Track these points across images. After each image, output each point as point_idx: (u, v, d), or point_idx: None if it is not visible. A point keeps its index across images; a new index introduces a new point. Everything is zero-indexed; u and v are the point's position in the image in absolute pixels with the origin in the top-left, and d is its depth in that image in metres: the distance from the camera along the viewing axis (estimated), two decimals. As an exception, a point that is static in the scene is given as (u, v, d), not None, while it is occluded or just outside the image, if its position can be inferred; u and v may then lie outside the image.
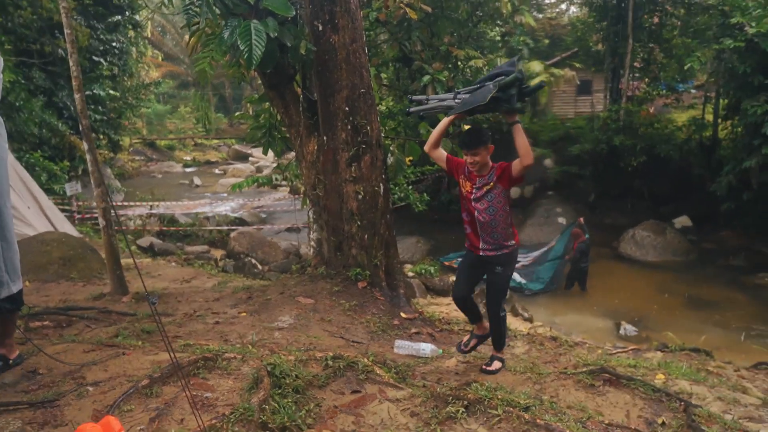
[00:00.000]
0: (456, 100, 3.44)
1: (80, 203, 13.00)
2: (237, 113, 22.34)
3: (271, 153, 6.36)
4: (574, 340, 5.65)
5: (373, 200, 5.06)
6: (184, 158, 27.53)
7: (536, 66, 11.99)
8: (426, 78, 12.69)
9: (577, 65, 20.15)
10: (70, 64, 5.09)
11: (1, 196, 2.73)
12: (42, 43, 14.03)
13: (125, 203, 14.61)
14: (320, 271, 5.26)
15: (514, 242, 3.50)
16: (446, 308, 7.74)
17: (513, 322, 7.01)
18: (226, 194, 18.40)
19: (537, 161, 16.55)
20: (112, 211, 5.84)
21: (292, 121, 5.30)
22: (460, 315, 7.12)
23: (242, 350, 3.30)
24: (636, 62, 17.17)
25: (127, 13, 18.04)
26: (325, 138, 5.08)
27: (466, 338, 3.84)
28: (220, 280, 6.96)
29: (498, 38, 17.38)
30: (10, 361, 2.88)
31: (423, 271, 9.39)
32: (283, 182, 12.22)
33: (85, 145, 5.15)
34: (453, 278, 9.55)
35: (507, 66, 3.33)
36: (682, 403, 2.85)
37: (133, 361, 3.00)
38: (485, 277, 3.65)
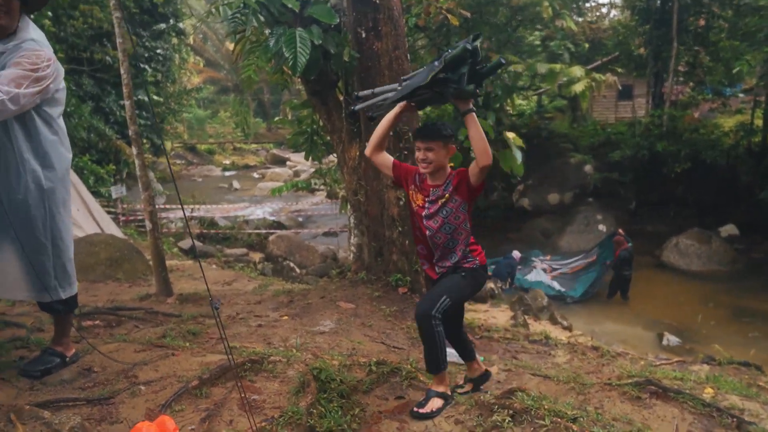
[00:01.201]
0: (399, 87, 2.87)
1: (125, 206, 13.39)
2: (276, 118, 22.71)
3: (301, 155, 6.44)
4: (616, 351, 5.55)
5: (414, 206, 5.08)
6: (224, 162, 28.07)
7: (577, 71, 11.79)
8: (464, 83, 12.67)
9: (619, 70, 19.79)
10: (122, 72, 5.25)
11: (58, 203, 2.82)
12: (92, 51, 14.54)
13: (167, 206, 14.99)
14: (361, 276, 5.30)
15: (477, 261, 2.88)
16: (483, 315, 7.70)
17: (552, 331, 6.92)
18: (264, 198, 18.68)
19: (577, 167, 16.34)
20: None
21: (335, 127, 5.36)
22: (499, 322, 7.10)
23: (286, 353, 3.35)
24: (680, 66, 16.78)
25: (171, 21, 18.56)
26: (366, 144, 5.12)
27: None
28: (261, 283, 7.07)
29: (537, 42, 17.22)
30: (67, 359, 2.98)
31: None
32: (321, 186, 12.40)
33: (134, 150, 5.31)
34: (490, 284, 9.52)
35: (462, 43, 2.69)
36: (735, 420, 2.77)
37: (182, 361, 3.07)
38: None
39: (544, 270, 11.78)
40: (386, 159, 3.04)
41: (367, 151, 3.04)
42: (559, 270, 11.80)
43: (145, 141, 18.42)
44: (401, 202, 5.04)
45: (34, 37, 2.66)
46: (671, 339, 8.52)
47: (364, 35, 5.07)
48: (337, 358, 3.32)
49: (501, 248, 13.65)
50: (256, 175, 25.67)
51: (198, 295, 5.87)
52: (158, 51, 18.16)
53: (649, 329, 9.16)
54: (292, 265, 10.59)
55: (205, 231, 13.38)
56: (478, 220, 15.02)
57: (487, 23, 14.02)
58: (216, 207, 15.20)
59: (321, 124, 5.77)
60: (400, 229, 5.05)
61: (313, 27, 4.78)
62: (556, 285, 11.07)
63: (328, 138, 5.80)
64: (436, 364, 2.80)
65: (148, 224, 5.41)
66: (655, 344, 8.49)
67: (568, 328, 7.85)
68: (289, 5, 4.80)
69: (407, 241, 5.07)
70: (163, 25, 18.17)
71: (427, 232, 2.87)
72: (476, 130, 2.59)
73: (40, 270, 2.75)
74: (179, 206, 14.67)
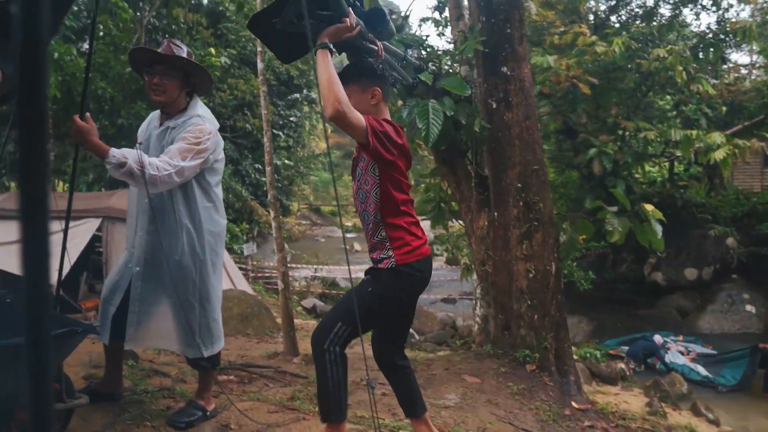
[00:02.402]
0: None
1: (254, 263, 14.17)
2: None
3: (426, 222, 6.49)
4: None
5: (544, 279, 4.90)
6: (346, 224, 29.09)
7: (716, 137, 11.04)
8: (592, 151, 12.32)
9: (766, 134, 18.27)
10: (264, 140, 5.69)
11: (209, 267, 3.02)
12: (234, 120, 15.96)
13: (292, 265, 15.68)
14: (487, 349, 5.14)
15: (392, 257, 2.29)
16: (614, 398, 7.10)
17: (697, 424, 6.22)
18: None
19: (717, 240, 15.02)
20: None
21: (463, 196, 5.38)
22: (633, 408, 6.50)
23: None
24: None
25: (304, 91, 19.99)
26: (495, 214, 5.07)
27: None
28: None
29: (669, 107, 16.45)
30: (208, 413, 3.12)
31: (588, 355, 8.76)
32: (441, 252, 12.38)
33: (271, 213, 5.65)
34: (621, 365, 8.82)
35: None
36: None
37: (312, 427, 3.10)
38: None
39: (681, 352, 10.73)
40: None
41: (341, 108, 2.12)
42: (699, 351, 10.68)
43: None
44: (530, 275, 4.88)
45: (200, 113, 2.96)
46: (844, 444, 7.33)
47: (494, 106, 5.11)
48: (466, 438, 3.19)
49: (630, 325, 12.71)
50: (375, 237, 26.18)
51: (374, 379, 5.97)
52: (291, 118, 19.55)
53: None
54: (411, 330, 10.53)
55: (326, 291, 13.76)
56: (605, 293, 14.12)
57: (615, 89, 13.65)
58: (338, 268, 15.66)
59: (449, 192, 5.82)
60: (529, 302, 4.87)
61: (445, 98, 4.90)
62: (701, 369, 9.97)
63: (456, 206, 5.82)
64: (326, 411, 2.36)
65: (280, 284, 5.66)
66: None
67: (715, 423, 7.01)
68: (422, 78, 4.98)
69: (536, 316, 4.87)
70: (297, 95, 19.60)
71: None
72: (321, 71, 2.12)
73: (188, 327, 2.95)
74: (303, 266, 15.30)
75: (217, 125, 2.99)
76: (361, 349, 2.15)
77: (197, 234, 2.94)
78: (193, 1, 14.59)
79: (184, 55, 2.90)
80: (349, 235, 26.87)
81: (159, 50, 2.88)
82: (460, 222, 6.36)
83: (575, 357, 8.76)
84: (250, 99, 14.91)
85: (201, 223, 2.96)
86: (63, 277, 2.97)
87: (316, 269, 14.82)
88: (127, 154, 2.58)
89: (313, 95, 20.98)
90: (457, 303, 13.54)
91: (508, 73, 5.06)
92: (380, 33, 2.62)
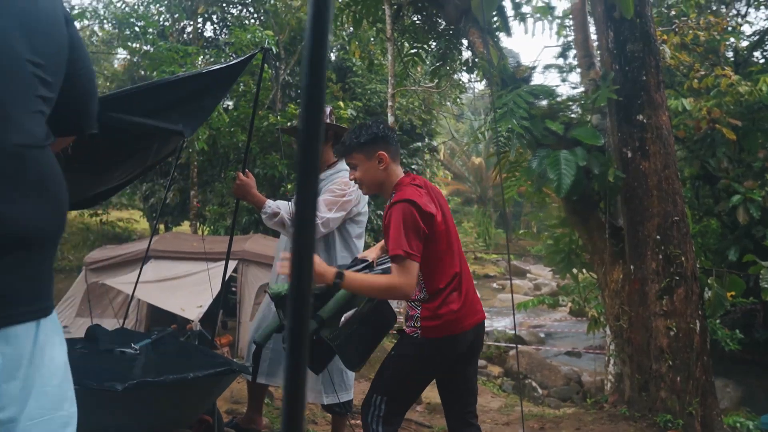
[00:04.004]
0: None
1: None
2: (521, 231, 22.93)
3: (547, 270, 6.26)
4: None
5: (687, 338, 4.54)
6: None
7: None
8: (736, 198, 11.35)
9: None
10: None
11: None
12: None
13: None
14: (622, 411, 4.82)
15: (417, 328, 2.22)
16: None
17: None
18: (503, 309, 18.50)
19: None
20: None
21: (596, 248, 5.18)
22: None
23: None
24: None
25: (426, 139, 20.40)
26: (632, 267, 4.83)
27: None
28: (506, 402, 6.86)
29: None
30: (340, 457, 3.21)
31: (738, 424, 7.88)
32: (566, 302, 11.85)
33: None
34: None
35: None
36: None
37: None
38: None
39: None
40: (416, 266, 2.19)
41: (407, 290, 2.13)
42: None
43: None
44: (671, 333, 4.56)
45: (346, 166, 3.16)
46: None
47: (630, 155, 4.93)
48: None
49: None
50: (495, 285, 25.72)
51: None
52: (413, 166, 19.96)
53: None
54: (534, 384, 10.11)
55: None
56: (754, 355, 12.68)
57: (761, 130, 12.58)
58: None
59: (580, 243, 5.63)
60: (670, 362, 4.53)
61: (577, 149, 4.81)
62: None
63: (587, 257, 5.61)
64: None
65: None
66: None
67: None
68: (553, 128, 4.94)
69: (679, 378, 4.51)
70: (419, 144, 20.04)
71: None
72: (363, 291, 2.18)
73: (322, 376, 3.07)
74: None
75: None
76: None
77: None
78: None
79: (328, 116, 3.14)
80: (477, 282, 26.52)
81: None
82: (591, 273, 6.11)
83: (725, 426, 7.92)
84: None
85: None
86: (203, 315, 3.22)
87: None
88: (281, 206, 2.81)
89: (434, 143, 21.38)
90: (582, 357, 12.81)
91: (644, 121, 4.89)
92: None
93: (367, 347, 2.38)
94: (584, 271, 6.27)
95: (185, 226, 14.85)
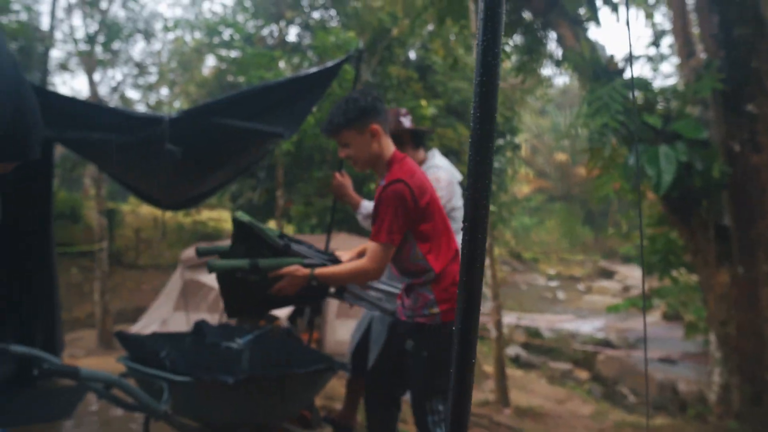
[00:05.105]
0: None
1: (456, 307, 14.32)
2: (610, 230, 22.07)
3: (636, 271, 5.96)
4: None
5: (806, 347, 4.19)
6: (548, 271, 27.99)
7: None
8: None
9: None
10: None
11: None
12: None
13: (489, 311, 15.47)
14: (730, 425, 4.51)
15: (413, 314, 2.20)
16: None
17: None
18: (589, 311, 17.85)
19: None
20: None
21: (698, 249, 4.87)
22: None
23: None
24: None
25: (508, 136, 20.01)
26: (741, 269, 4.50)
27: None
28: (596, 409, 6.60)
29: None
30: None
31: None
32: (657, 305, 11.25)
33: (487, 262, 5.69)
34: None
35: None
36: None
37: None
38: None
39: None
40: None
41: (374, 275, 2.21)
42: None
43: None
44: (788, 341, 4.21)
45: (437, 163, 3.13)
46: None
47: (738, 149, 4.61)
48: None
49: None
50: (580, 287, 24.85)
51: (533, 411, 5.76)
52: (495, 165, 19.63)
53: None
54: (624, 391, 9.66)
55: (530, 341, 13.32)
56: None
57: None
58: (541, 317, 15.12)
59: (680, 243, 5.32)
60: (786, 373, 4.18)
61: (677, 143, 4.54)
62: None
63: (687, 258, 5.29)
64: None
65: (494, 332, 5.62)
66: None
67: None
68: (651, 122, 4.69)
69: (796, 390, 4.16)
70: (501, 141, 19.69)
71: None
72: (331, 282, 2.27)
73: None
74: (506, 312, 15.04)
75: (458, 176, 3.12)
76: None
77: None
78: (402, 58, 15.62)
79: (404, 117, 3.12)
80: (551, 284, 25.87)
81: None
82: (691, 276, 5.76)
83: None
84: (456, 147, 15.33)
85: None
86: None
87: (519, 317, 14.47)
88: (368, 206, 2.82)
89: (517, 141, 20.94)
90: (677, 363, 12.13)
91: (755, 111, 4.55)
92: None
93: (255, 303, 2.42)
94: (684, 272, 5.91)
95: (271, 224, 15.36)
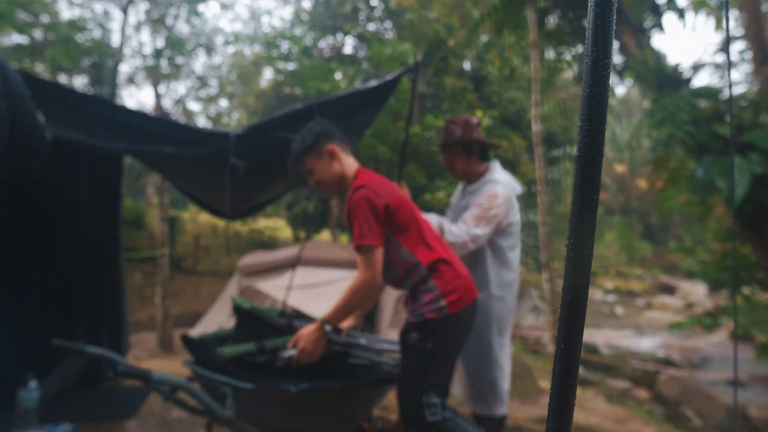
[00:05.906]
0: None
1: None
2: (672, 244, 21.28)
3: (699, 287, 5.65)
4: None
5: None
6: (605, 286, 27.16)
7: None
8: None
9: None
10: (538, 200, 5.67)
11: (492, 326, 3.06)
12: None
13: (536, 324, 15.08)
14: (809, 452, 4.23)
15: (422, 312, 2.23)
16: None
17: None
18: (649, 328, 17.19)
19: None
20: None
21: (773, 265, 4.62)
22: None
23: None
24: None
25: (566, 147, 19.62)
26: None
27: None
28: (659, 431, 6.32)
29: None
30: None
31: None
32: (723, 324, 10.70)
33: (543, 276, 5.57)
34: None
35: None
36: None
37: None
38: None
39: None
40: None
41: (372, 293, 2.31)
42: None
43: (531, 259, 19.35)
44: None
45: (496, 177, 3.08)
46: None
47: (817, 160, 4.34)
48: None
49: None
50: (639, 302, 23.98)
51: (592, 430, 5.57)
52: (554, 175, 19.28)
53: None
54: (689, 413, 9.23)
55: (586, 357, 12.92)
56: None
57: None
58: (598, 332, 14.66)
59: (752, 260, 5.06)
60: None
61: (751, 154, 4.33)
62: None
63: (761, 275, 5.03)
64: None
65: (550, 347, 5.48)
66: None
67: None
68: (721, 132, 4.49)
69: None
70: (557, 152, 19.32)
71: None
72: (346, 311, 2.23)
73: (480, 383, 3.02)
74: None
75: (518, 189, 3.07)
76: None
77: (481, 292, 3.03)
78: (456, 68, 15.58)
79: (459, 130, 3.09)
80: (609, 298, 25.09)
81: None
82: (765, 294, 5.46)
83: None
84: (511, 157, 15.16)
85: (489, 286, 3.04)
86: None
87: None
88: (431, 219, 2.80)
89: (574, 152, 20.53)
90: (747, 387, 11.51)
91: (838, 120, 4.29)
92: None
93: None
94: (756, 290, 5.61)
95: (325, 234, 15.53)
